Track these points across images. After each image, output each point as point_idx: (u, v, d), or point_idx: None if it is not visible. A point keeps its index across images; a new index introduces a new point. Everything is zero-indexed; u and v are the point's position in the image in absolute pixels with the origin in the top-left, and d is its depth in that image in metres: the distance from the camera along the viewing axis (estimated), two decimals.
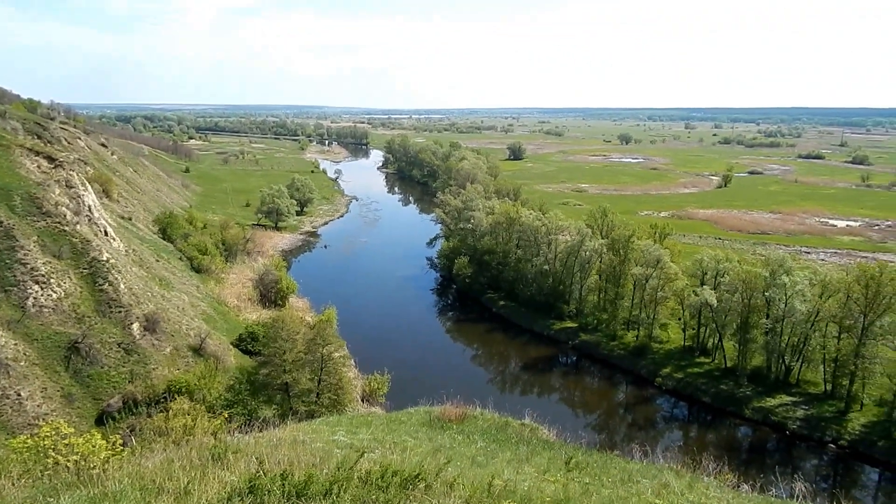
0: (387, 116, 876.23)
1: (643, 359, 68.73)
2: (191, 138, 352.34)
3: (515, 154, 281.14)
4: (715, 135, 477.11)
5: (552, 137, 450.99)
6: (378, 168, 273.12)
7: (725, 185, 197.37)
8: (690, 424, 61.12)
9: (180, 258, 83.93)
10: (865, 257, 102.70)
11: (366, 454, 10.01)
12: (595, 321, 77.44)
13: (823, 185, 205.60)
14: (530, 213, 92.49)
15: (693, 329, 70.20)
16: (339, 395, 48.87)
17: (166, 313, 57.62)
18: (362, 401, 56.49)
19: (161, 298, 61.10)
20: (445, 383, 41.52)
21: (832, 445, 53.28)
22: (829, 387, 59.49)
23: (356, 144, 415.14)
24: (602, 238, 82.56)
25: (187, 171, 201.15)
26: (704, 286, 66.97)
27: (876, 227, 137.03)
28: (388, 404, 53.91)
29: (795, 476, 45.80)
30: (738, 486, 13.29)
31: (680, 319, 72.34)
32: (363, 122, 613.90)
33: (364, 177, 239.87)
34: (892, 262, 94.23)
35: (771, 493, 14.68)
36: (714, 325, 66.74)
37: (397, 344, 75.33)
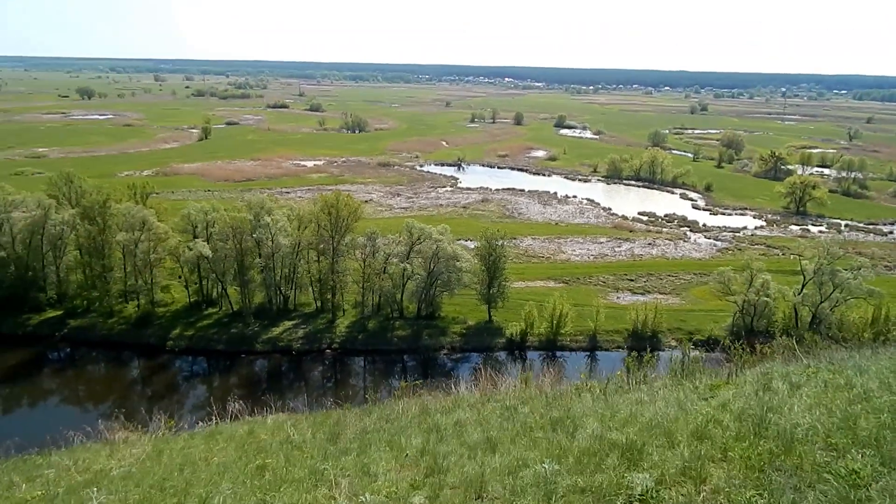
0: None
1: (149, 327, 64.57)
2: None
3: None
4: (188, 87, 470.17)
5: None
6: None
7: (206, 138, 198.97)
8: (212, 375, 61.63)
9: None
10: (331, 189, 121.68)
11: None
12: (85, 302, 67.80)
13: (292, 131, 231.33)
14: None
15: (196, 284, 69.68)
16: None
17: None
18: None
19: None
20: None
21: (328, 350, 62.94)
22: (319, 304, 69.42)
23: None
24: (73, 207, 71.49)
25: None
26: (197, 239, 66.64)
27: (335, 164, 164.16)
28: None
29: (298, 388, 52.17)
30: (195, 424, 13.49)
31: (181, 278, 70.51)
32: None
33: None
34: (348, 190, 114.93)
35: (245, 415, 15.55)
36: (214, 275, 67.84)
37: None
